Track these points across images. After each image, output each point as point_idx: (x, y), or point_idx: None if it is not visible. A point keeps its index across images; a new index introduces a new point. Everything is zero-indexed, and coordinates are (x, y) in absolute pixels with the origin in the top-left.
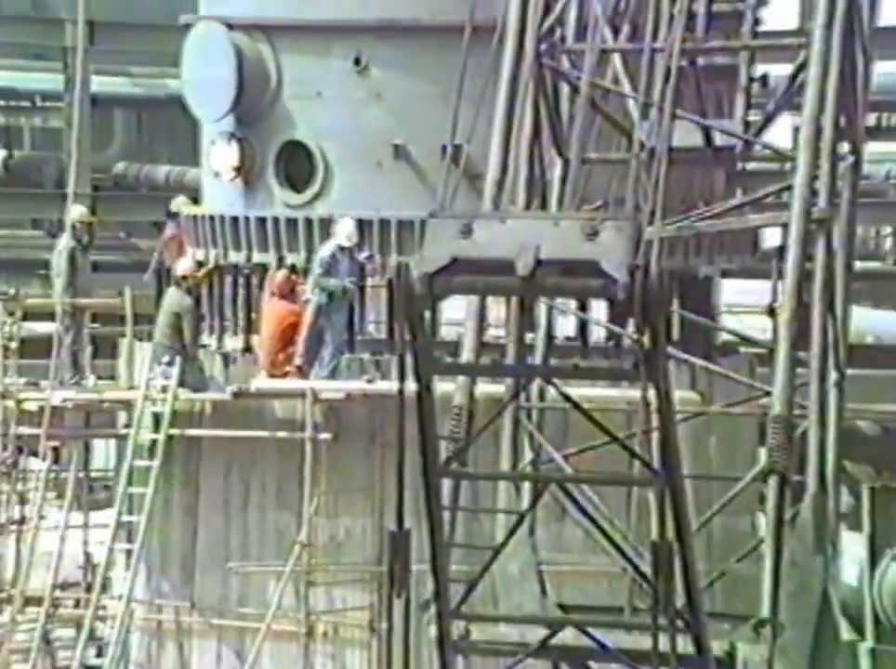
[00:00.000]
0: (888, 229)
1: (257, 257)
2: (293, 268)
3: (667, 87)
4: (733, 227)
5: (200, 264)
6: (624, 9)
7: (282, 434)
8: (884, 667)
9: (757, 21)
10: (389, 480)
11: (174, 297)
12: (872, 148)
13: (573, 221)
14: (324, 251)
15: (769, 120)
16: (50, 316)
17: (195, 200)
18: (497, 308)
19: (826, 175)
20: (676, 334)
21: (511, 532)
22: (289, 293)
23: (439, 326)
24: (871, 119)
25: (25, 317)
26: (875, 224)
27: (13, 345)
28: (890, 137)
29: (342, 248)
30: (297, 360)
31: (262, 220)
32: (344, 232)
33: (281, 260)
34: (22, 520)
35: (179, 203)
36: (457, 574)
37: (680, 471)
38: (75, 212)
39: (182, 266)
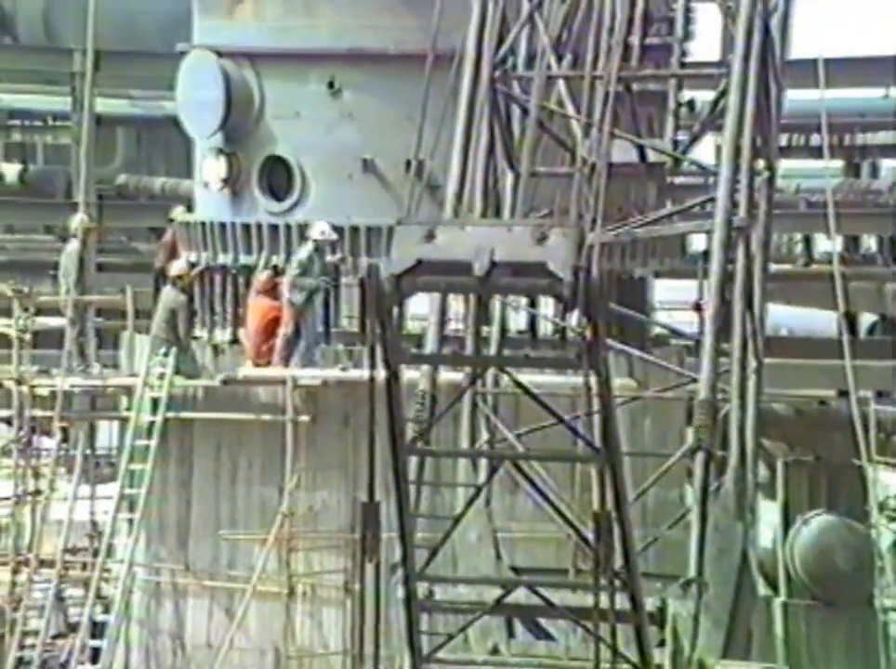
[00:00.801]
0: (798, 236)
1: (243, 259)
2: (275, 269)
3: (606, 110)
4: (664, 233)
5: (192, 265)
6: (566, 40)
7: (265, 417)
8: (793, 618)
9: (684, 53)
10: (361, 458)
11: (170, 295)
12: (784, 165)
13: (524, 227)
14: (302, 253)
15: (694, 139)
16: (59, 311)
17: (190, 208)
18: (457, 305)
19: (745, 188)
20: (614, 327)
21: (469, 504)
22: (271, 290)
23: (405, 320)
24: (783, 139)
25: (38, 312)
26: (787, 231)
27: (27, 337)
28: (800, 156)
29: (317, 249)
30: (276, 359)
31: (247, 226)
32: (318, 231)
33: (268, 262)
34: (36, 492)
35: (178, 213)
36: (422, 541)
37: (619, 449)
38: (78, 219)
39: (176, 267)
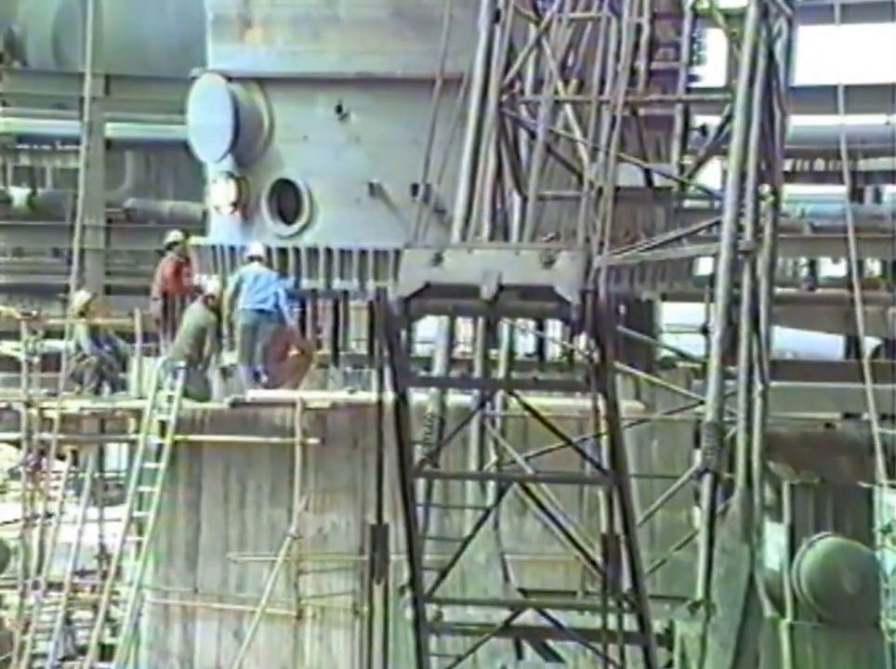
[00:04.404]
0: (803, 260)
1: None
2: None
3: (613, 134)
4: (671, 256)
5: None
6: (573, 65)
7: (274, 439)
8: (799, 640)
9: (691, 78)
10: (370, 480)
11: (200, 313)
12: (789, 189)
13: (532, 251)
14: (251, 272)
15: (700, 164)
16: (65, 334)
17: (186, 232)
18: (465, 328)
19: (751, 212)
20: (622, 350)
21: (478, 526)
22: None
23: (413, 344)
24: (787, 165)
25: (46, 335)
26: (792, 255)
27: (35, 360)
28: (804, 181)
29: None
30: (289, 380)
31: None
32: (258, 248)
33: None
34: (46, 515)
35: (174, 236)
36: (430, 563)
37: (626, 471)
38: (79, 299)
39: (211, 286)
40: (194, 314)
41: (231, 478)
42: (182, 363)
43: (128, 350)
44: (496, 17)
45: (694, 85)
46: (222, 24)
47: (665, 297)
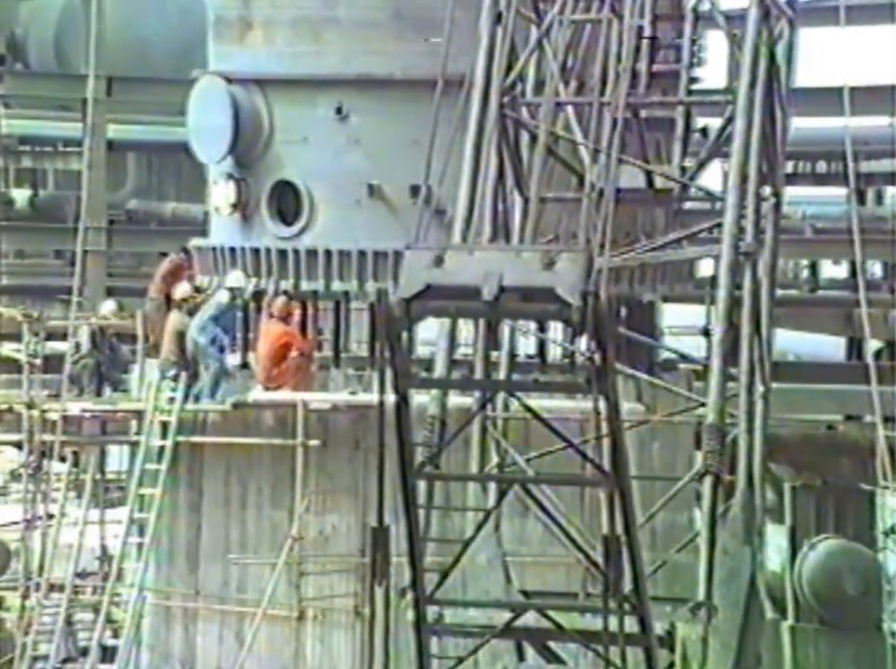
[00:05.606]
0: (804, 262)
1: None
2: (287, 294)
3: (614, 136)
4: (672, 258)
5: (198, 289)
6: (573, 66)
7: (275, 441)
8: (801, 642)
9: (692, 80)
10: (371, 481)
11: (176, 318)
12: (790, 191)
13: (533, 253)
14: (221, 297)
15: (701, 166)
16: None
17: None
18: (466, 329)
19: (752, 214)
20: (623, 352)
21: (479, 527)
22: (285, 315)
23: (415, 345)
24: (789, 166)
25: (48, 337)
26: (793, 257)
27: (37, 361)
28: (806, 183)
29: (234, 297)
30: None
31: (256, 250)
32: (234, 279)
33: (278, 287)
34: (47, 517)
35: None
36: (432, 565)
37: (627, 473)
38: (106, 307)
39: (182, 290)
40: (172, 321)
41: (233, 480)
42: (173, 371)
43: (129, 356)
44: (498, 18)
45: (695, 86)
46: (223, 26)
47: (665, 299)
